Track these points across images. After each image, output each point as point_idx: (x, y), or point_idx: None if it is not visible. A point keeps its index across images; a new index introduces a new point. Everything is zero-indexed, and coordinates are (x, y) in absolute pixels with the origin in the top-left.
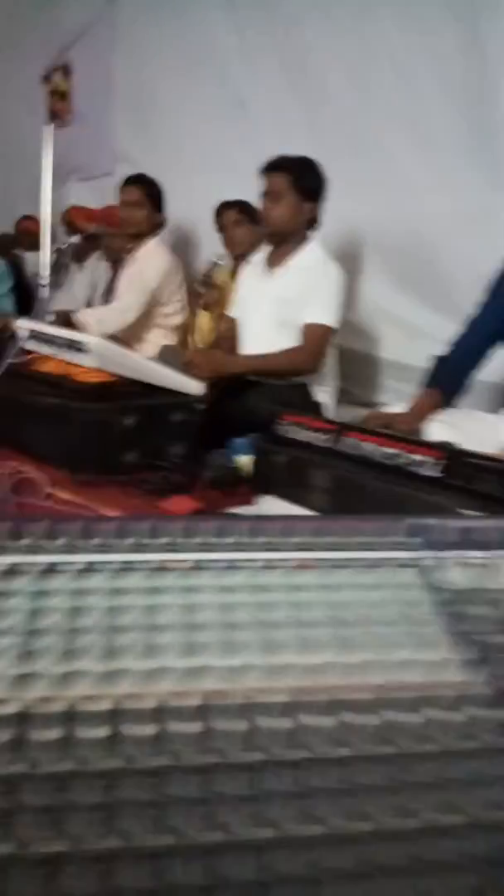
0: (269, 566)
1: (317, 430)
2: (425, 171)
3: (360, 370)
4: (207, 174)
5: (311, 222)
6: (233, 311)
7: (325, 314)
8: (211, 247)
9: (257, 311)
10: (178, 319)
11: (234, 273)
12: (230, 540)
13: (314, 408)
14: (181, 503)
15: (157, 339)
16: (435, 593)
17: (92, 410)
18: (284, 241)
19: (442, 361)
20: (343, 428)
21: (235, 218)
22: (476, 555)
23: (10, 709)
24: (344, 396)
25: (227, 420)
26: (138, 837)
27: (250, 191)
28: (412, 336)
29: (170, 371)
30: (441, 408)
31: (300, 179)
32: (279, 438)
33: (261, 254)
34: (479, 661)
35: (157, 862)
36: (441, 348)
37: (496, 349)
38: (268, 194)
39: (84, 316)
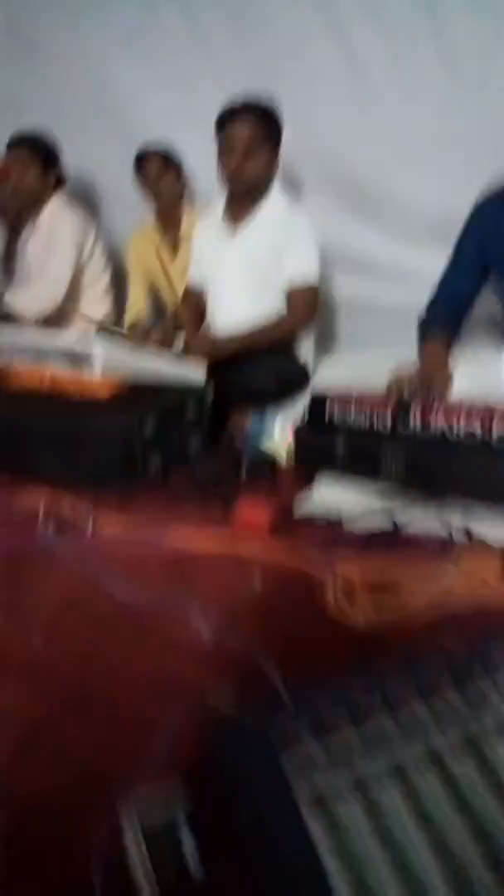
0: None
1: (372, 411)
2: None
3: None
4: (104, 118)
5: (274, 170)
6: (194, 278)
7: (307, 273)
8: (120, 198)
9: (228, 277)
10: (104, 281)
11: (163, 232)
12: None
13: (303, 371)
14: (254, 511)
15: (89, 306)
16: None
17: (112, 425)
18: (247, 194)
19: (434, 311)
20: (401, 407)
21: (160, 168)
22: None
23: None
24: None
25: (226, 401)
26: None
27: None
28: (371, 274)
29: (173, 363)
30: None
31: (269, 127)
32: (330, 424)
33: (216, 211)
34: None
35: None
36: (398, 287)
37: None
38: (235, 145)
39: (13, 300)
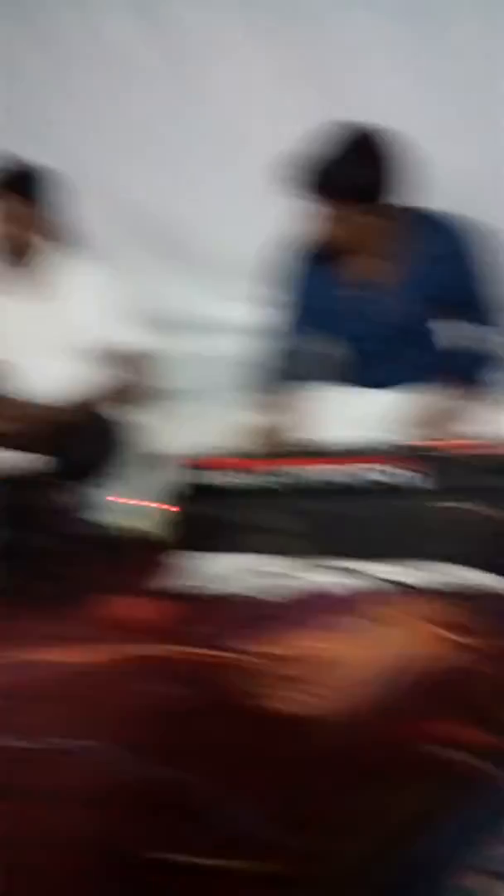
0: None
1: (256, 470)
2: None
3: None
4: None
5: (58, 230)
6: None
7: (136, 333)
8: None
9: (34, 345)
10: None
11: None
12: None
13: (127, 434)
14: (140, 607)
15: None
16: None
17: None
18: (22, 258)
19: (279, 359)
20: (287, 460)
21: None
22: None
23: None
24: None
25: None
26: None
27: None
28: (185, 327)
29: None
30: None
31: (25, 191)
32: (210, 488)
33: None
34: None
35: None
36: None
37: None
38: None
39: None
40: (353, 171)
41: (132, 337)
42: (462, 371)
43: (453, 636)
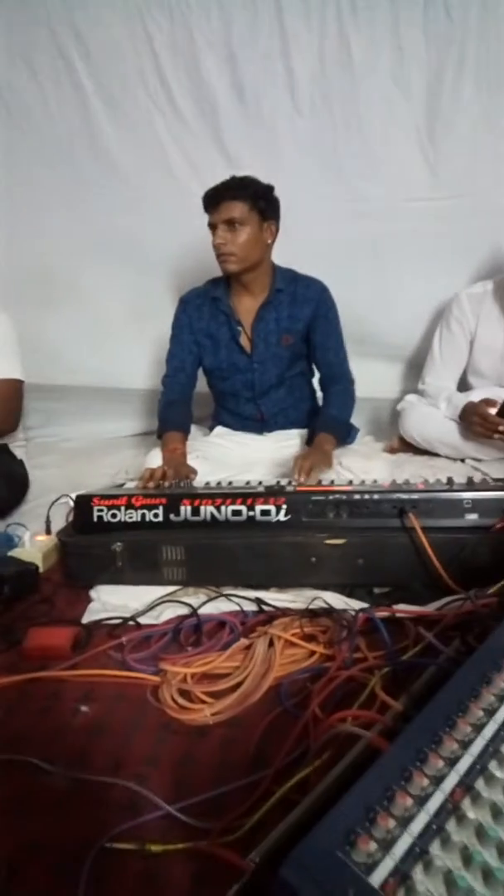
0: None
1: (142, 506)
2: None
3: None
4: None
5: None
6: None
7: (10, 367)
8: None
9: None
10: None
11: None
12: None
13: (21, 467)
14: (47, 631)
15: None
16: None
17: None
18: None
19: (168, 396)
20: (172, 498)
21: None
22: None
23: None
24: None
25: None
26: None
27: None
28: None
29: None
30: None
31: None
32: (100, 524)
33: None
34: None
35: None
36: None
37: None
38: None
39: None
40: (242, 181)
41: (14, 368)
42: (329, 421)
43: (319, 647)
